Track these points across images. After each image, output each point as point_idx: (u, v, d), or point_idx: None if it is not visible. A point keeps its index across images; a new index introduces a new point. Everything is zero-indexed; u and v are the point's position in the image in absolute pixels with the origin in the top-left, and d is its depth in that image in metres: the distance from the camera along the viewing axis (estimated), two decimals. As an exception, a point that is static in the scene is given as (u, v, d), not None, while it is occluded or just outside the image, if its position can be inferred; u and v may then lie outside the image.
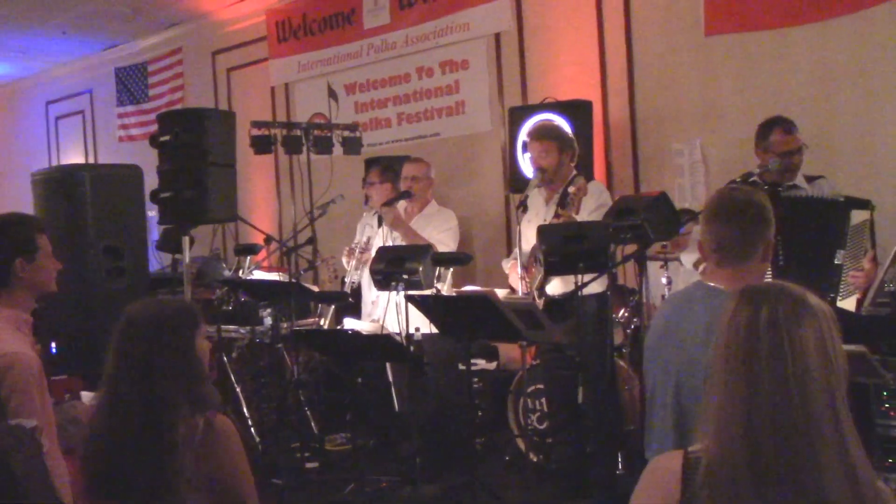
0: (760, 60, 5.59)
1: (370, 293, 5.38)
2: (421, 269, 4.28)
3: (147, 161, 5.87)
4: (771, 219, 2.41)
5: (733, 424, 1.49)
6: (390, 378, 5.32)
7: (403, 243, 5.01)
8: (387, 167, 5.68)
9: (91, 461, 2.20)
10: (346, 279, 5.68)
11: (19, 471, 2.14)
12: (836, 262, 3.79)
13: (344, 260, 5.72)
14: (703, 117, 5.87)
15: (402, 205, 5.31)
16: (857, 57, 5.23)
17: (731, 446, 1.49)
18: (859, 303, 3.82)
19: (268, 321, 5.74)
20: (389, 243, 5.05)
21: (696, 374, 2.24)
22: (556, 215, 4.42)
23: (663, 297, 4.89)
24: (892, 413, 3.96)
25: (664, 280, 4.90)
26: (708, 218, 2.42)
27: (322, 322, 5.85)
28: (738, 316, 1.55)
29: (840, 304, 3.77)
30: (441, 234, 5.24)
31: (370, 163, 5.96)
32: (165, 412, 2.15)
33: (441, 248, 5.06)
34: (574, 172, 4.68)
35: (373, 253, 5.16)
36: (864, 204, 3.87)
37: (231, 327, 5.88)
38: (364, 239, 5.59)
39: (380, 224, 5.44)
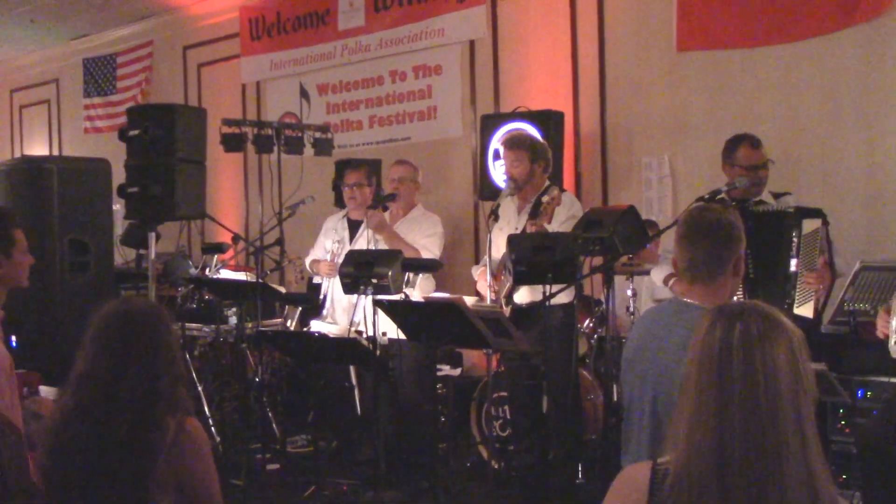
0: (730, 78, 5.68)
1: (345, 298, 5.30)
2: (390, 273, 4.28)
3: (113, 154, 5.81)
4: (741, 236, 2.47)
5: (703, 438, 1.52)
6: (353, 381, 5.30)
7: (386, 247, 4.99)
8: (371, 169, 5.67)
9: (59, 459, 2.17)
10: (319, 283, 5.61)
11: (4, 458, 2.16)
12: (790, 271, 3.86)
13: (308, 266, 5.66)
14: (673, 132, 5.95)
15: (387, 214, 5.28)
16: (823, 78, 5.34)
17: (700, 459, 1.51)
18: (816, 311, 3.89)
19: (233, 320, 5.70)
20: (376, 247, 5.05)
21: (671, 387, 2.28)
22: (528, 223, 4.45)
23: (627, 308, 4.96)
24: (847, 430, 4.04)
25: (629, 292, 4.93)
26: (681, 238, 2.47)
27: (289, 323, 5.82)
28: (713, 333, 1.58)
29: (797, 310, 3.83)
30: (426, 239, 5.21)
31: (346, 164, 5.91)
32: (151, 412, 2.14)
33: (425, 254, 5.05)
34: (548, 183, 4.72)
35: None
36: (815, 213, 3.94)
37: (195, 325, 5.82)
38: (332, 246, 5.52)
39: (352, 230, 5.38)
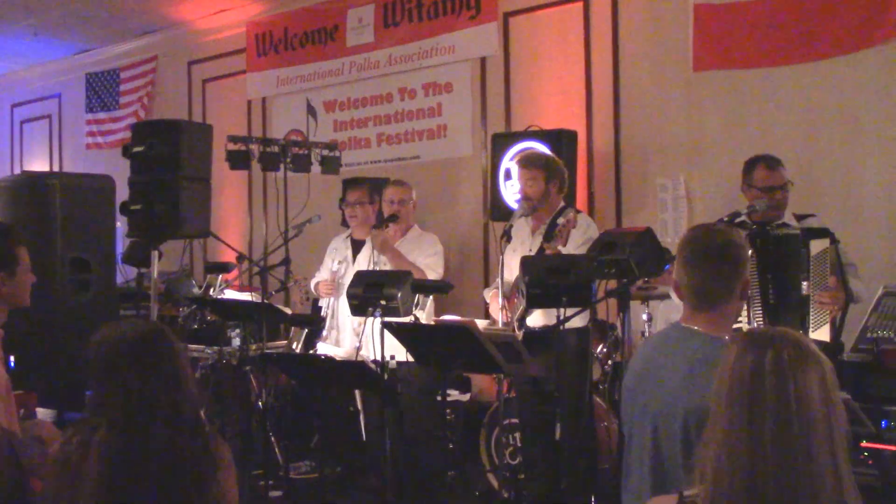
0: (748, 98, 5.66)
1: (353, 320, 5.29)
2: (399, 295, 4.24)
3: (115, 170, 5.81)
4: (747, 257, 2.44)
5: (733, 470, 1.50)
6: (359, 405, 5.28)
7: (390, 268, 4.98)
8: (373, 188, 5.65)
9: (103, 493, 2.14)
10: (321, 305, 5.60)
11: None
12: (802, 294, 3.83)
13: (312, 287, 5.66)
14: (689, 153, 5.92)
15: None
16: (844, 99, 5.32)
17: (731, 493, 1.49)
18: (832, 334, 3.87)
19: (236, 342, 5.67)
20: (377, 267, 5.03)
21: (674, 417, 2.26)
22: (543, 245, 4.44)
23: (643, 333, 4.91)
24: (870, 462, 3.99)
25: (644, 317, 4.90)
26: (685, 261, 2.42)
27: (294, 346, 5.77)
28: (742, 361, 1.56)
29: (812, 335, 3.80)
30: (428, 259, 5.20)
31: (349, 183, 5.90)
32: (201, 436, 2.18)
33: (430, 274, 5.05)
34: (563, 204, 4.71)
35: (347, 280, 5.08)
36: (823, 233, 3.89)
37: (197, 346, 5.80)
38: (336, 267, 5.52)
39: (355, 250, 5.35)
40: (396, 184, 5.47)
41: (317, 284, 5.61)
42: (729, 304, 2.39)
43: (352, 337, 5.25)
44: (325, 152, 5.85)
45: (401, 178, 5.68)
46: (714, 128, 5.80)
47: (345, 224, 6.05)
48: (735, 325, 2.53)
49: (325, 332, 5.43)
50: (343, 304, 5.13)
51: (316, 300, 5.79)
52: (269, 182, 7.86)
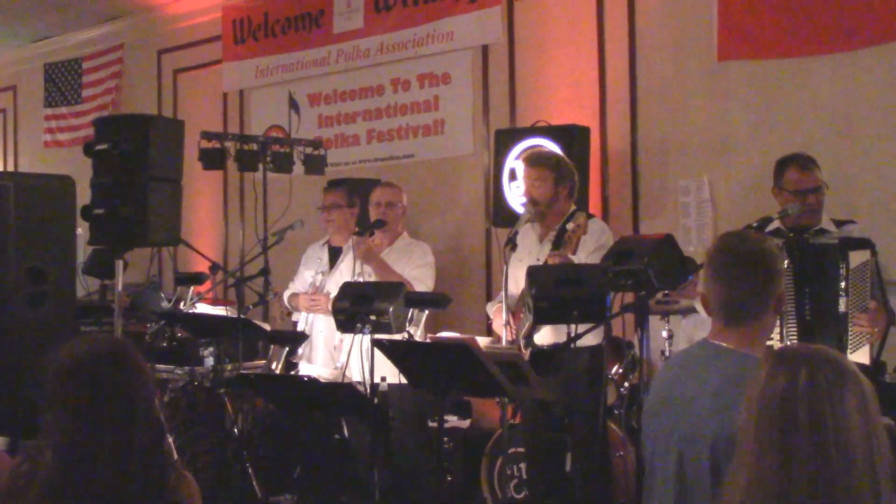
0: (779, 91, 5.64)
1: (332, 337, 5.35)
2: (392, 309, 4.24)
3: (76, 170, 5.74)
4: (781, 268, 2.46)
5: (766, 501, 1.49)
6: (346, 433, 5.29)
7: (375, 279, 4.99)
8: (352, 189, 5.67)
9: None
10: (295, 321, 5.62)
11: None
12: (840, 311, 3.82)
13: (286, 300, 5.65)
14: (714, 151, 5.88)
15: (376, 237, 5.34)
16: (884, 92, 5.31)
17: None
18: (872, 357, 3.86)
19: (209, 362, 5.64)
20: (358, 279, 5.02)
21: (702, 443, 2.27)
22: (550, 255, 4.42)
23: (662, 352, 4.90)
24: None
25: (664, 334, 4.89)
26: (715, 272, 2.45)
27: (273, 366, 5.76)
28: (774, 382, 1.56)
29: (851, 356, 3.78)
30: (417, 270, 5.20)
31: (333, 185, 5.94)
32: (156, 469, 2.19)
33: (419, 287, 5.04)
34: (573, 208, 4.69)
35: (330, 290, 5.12)
36: (863, 243, 3.88)
37: (166, 367, 5.79)
38: (315, 279, 5.52)
39: (332, 258, 5.33)
40: (384, 185, 5.48)
41: (291, 297, 5.60)
42: (762, 319, 2.41)
43: (325, 355, 5.26)
44: (309, 150, 5.85)
45: (391, 180, 5.74)
46: (741, 124, 5.78)
47: (332, 230, 6.09)
48: (767, 343, 2.55)
49: (299, 351, 5.45)
50: (319, 319, 5.19)
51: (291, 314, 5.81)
52: (247, 184, 7.83)
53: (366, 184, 5.84)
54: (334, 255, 5.51)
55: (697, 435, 2.29)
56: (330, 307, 4.69)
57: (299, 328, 5.54)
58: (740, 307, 2.39)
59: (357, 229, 5.34)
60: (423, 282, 5.14)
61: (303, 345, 5.47)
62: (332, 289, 5.12)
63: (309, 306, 5.44)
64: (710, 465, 2.23)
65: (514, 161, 5.89)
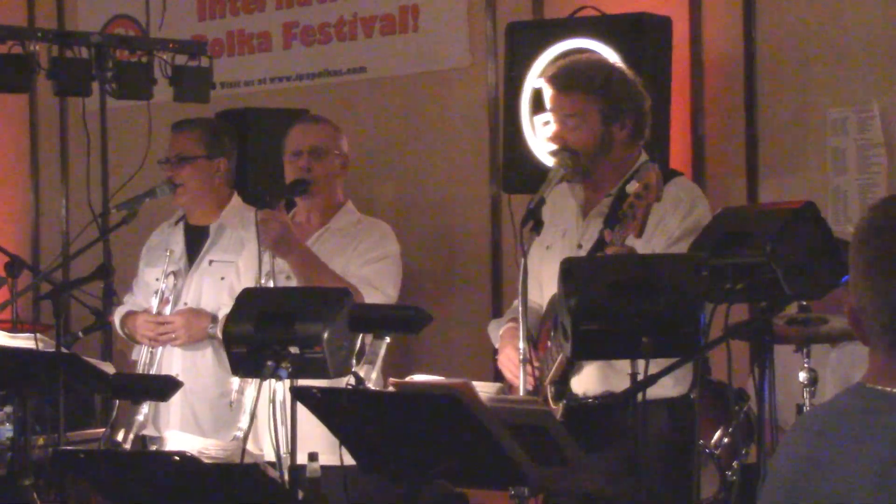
0: None
1: (218, 383, 4.85)
2: (326, 336, 3.70)
3: None
4: None
5: None
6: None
7: (295, 283, 4.56)
8: (221, 129, 5.00)
9: None
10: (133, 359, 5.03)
11: None
12: None
13: (117, 324, 5.00)
14: (888, 58, 5.03)
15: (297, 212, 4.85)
16: None
17: None
18: None
19: (4, 432, 4.97)
20: (266, 283, 4.54)
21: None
22: (602, 240, 3.90)
23: (800, 407, 4.35)
24: None
25: (802, 376, 4.34)
26: (869, 266, 2.04)
27: (121, 436, 4.94)
28: None
29: None
30: (370, 267, 4.64)
31: (183, 125, 5.04)
32: None
33: (374, 297, 4.54)
34: (642, 158, 4.13)
35: (190, 303, 4.79)
36: None
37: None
38: (164, 285, 4.92)
39: (192, 246, 4.83)
40: (308, 121, 4.92)
41: (126, 319, 5.02)
42: None
43: (181, 415, 4.83)
44: (182, 60, 5.28)
45: (322, 112, 5.12)
46: None
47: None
48: None
49: (143, 407, 4.69)
50: (171, 354, 4.83)
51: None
52: (72, 118, 6.70)
53: (277, 119, 5.21)
54: (196, 240, 4.93)
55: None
56: (217, 332, 4.49)
57: (141, 367, 4.92)
58: None
59: (262, 197, 4.75)
60: (376, 286, 4.59)
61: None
62: (196, 300, 4.79)
63: (154, 335, 4.82)
64: None
65: (537, 80, 5.09)
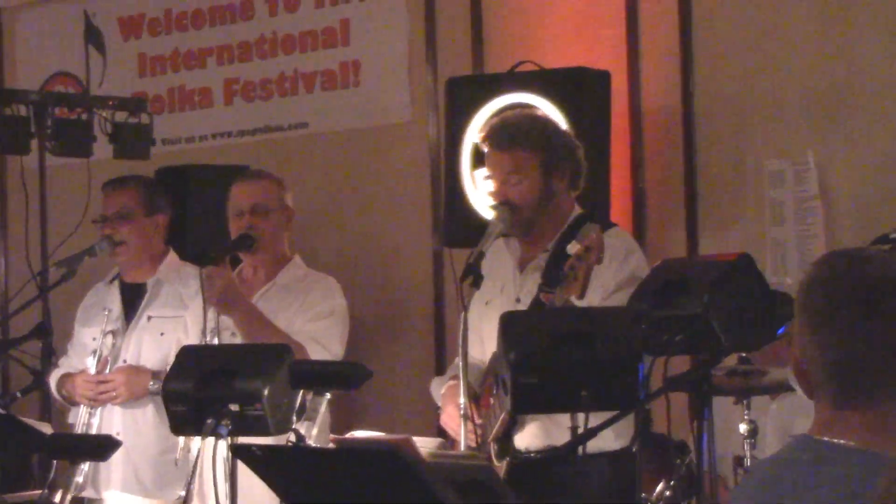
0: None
1: (158, 441, 4.88)
2: (267, 393, 3.78)
3: None
4: None
5: None
6: None
7: (241, 341, 4.58)
8: (156, 186, 5.05)
9: None
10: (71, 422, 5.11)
11: None
12: None
13: (53, 387, 5.00)
14: (823, 110, 5.11)
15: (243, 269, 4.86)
16: None
17: None
18: None
19: None
20: (211, 339, 4.56)
21: None
22: (541, 294, 4.00)
23: (739, 460, 4.35)
24: None
25: (743, 428, 4.30)
26: (814, 317, 2.08)
27: (58, 498, 4.75)
28: None
29: None
30: (314, 324, 4.65)
31: (117, 183, 5.05)
32: None
33: (317, 353, 4.53)
34: (577, 212, 4.24)
35: (129, 361, 4.79)
36: None
37: None
38: (101, 344, 4.92)
39: (129, 305, 4.90)
40: (251, 177, 4.94)
41: (63, 377, 5.00)
42: None
43: (122, 474, 4.79)
44: (123, 117, 5.37)
45: (265, 167, 5.17)
46: (870, 66, 5.01)
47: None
48: None
49: (82, 466, 4.66)
50: (111, 412, 4.86)
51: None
52: (12, 176, 6.70)
53: (219, 175, 5.20)
54: (132, 297, 4.96)
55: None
56: (156, 387, 4.55)
57: (78, 431, 4.91)
58: (863, 374, 2.06)
59: (205, 254, 4.72)
60: (323, 343, 4.62)
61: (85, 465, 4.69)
62: (136, 357, 4.80)
63: (94, 394, 4.81)
64: None
65: (478, 134, 4.97)
